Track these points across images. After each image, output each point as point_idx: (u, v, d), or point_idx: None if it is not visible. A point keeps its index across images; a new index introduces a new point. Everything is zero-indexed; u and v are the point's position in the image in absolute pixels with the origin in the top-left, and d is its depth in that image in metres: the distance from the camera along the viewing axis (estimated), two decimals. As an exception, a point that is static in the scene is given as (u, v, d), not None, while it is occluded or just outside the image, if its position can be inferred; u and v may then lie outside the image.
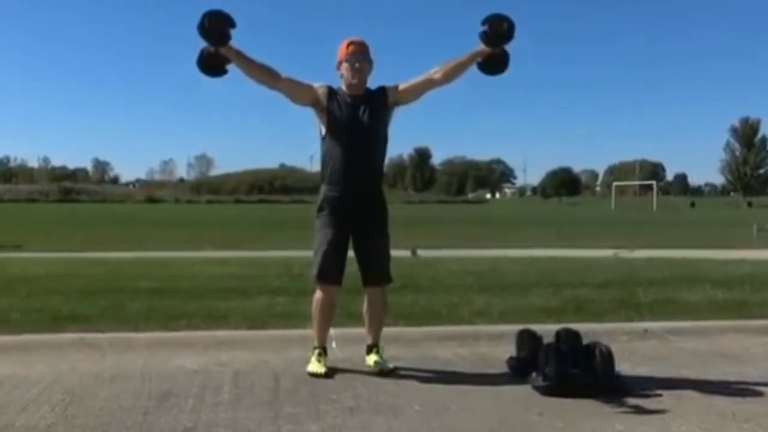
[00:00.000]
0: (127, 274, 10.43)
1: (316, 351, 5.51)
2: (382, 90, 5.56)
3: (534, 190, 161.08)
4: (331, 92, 5.49)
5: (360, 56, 5.47)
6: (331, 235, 5.43)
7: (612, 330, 6.77)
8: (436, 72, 5.50)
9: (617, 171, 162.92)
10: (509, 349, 5.66)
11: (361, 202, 5.49)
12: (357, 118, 5.43)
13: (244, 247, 16.41)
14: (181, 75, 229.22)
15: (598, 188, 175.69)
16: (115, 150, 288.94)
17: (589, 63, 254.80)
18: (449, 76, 5.50)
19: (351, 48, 5.47)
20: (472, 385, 5.20)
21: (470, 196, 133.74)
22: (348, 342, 6.06)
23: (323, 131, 5.51)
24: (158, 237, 20.46)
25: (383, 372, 5.43)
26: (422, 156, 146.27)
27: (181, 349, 6.10)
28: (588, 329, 5.99)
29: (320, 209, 5.52)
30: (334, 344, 6.00)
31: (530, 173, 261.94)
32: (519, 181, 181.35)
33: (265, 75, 5.42)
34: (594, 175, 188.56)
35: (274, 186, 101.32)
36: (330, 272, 5.42)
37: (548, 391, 4.92)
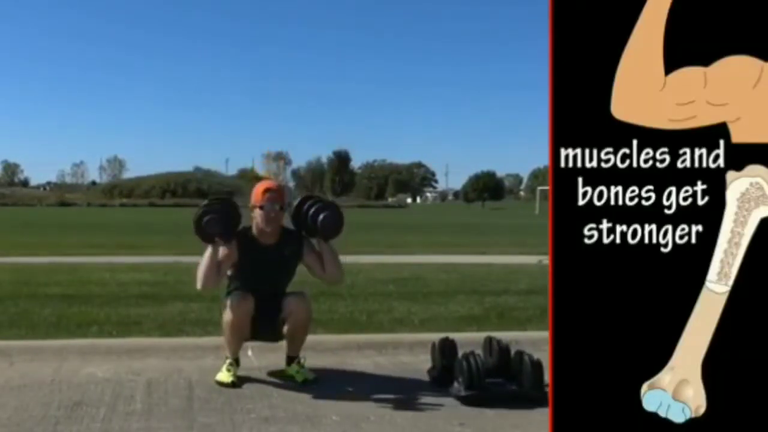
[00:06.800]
0: (38, 281, 10.20)
1: (228, 360, 5.45)
2: (299, 239, 5.60)
3: (456, 194, 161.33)
4: (241, 239, 5.44)
5: (276, 204, 5.44)
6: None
7: (536, 338, 6.71)
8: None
9: (542, 175, 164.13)
10: (430, 359, 5.66)
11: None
12: (266, 267, 5.46)
13: (158, 252, 16.17)
14: (92, 75, 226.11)
15: (522, 193, 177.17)
16: (24, 152, 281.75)
17: (513, 64, 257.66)
18: (327, 270, 5.58)
19: (267, 195, 5.43)
20: (392, 394, 5.18)
21: (391, 200, 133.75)
22: (265, 350, 5.99)
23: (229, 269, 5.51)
24: (70, 242, 20.03)
25: (306, 381, 5.40)
26: (341, 159, 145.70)
27: (93, 356, 5.98)
28: (511, 337, 6.02)
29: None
30: (250, 352, 5.94)
31: (452, 177, 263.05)
32: (441, 185, 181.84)
33: (217, 267, 5.34)
34: (518, 179, 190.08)
35: (188, 189, 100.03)
36: (244, 291, 5.37)
37: (470, 401, 4.93)
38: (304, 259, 5.60)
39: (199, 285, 5.37)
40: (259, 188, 5.50)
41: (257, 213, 5.44)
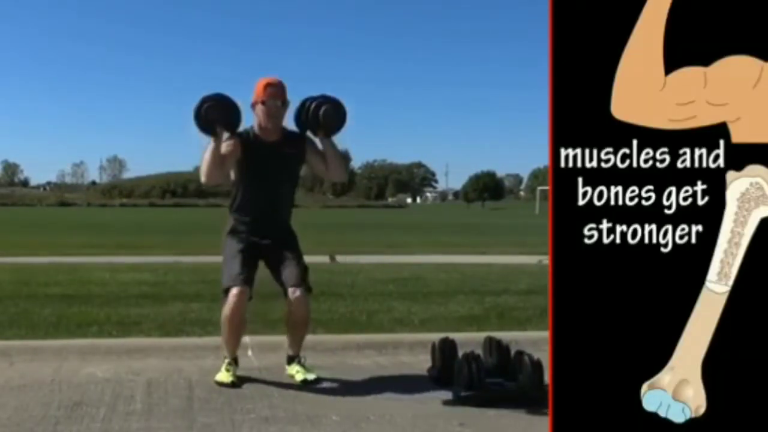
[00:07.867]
0: (37, 280, 10.18)
1: (226, 360, 5.42)
2: (301, 140, 5.57)
3: (456, 194, 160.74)
4: (244, 139, 5.40)
5: (278, 100, 5.41)
6: (241, 255, 5.39)
7: (536, 338, 6.62)
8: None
9: (542, 175, 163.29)
10: (430, 359, 5.66)
11: (269, 234, 5.50)
12: (268, 165, 5.43)
13: (158, 252, 16.16)
14: (92, 75, 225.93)
15: (522, 193, 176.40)
16: (24, 152, 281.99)
17: (513, 64, 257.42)
18: (330, 168, 5.59)
19: (269, 90, 5.39)
20: (392, 394, 5.18)
21: (391, 200, 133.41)
22: (265, 350, 6.00)
23: (233, 171, 5.49)
24: (70, 242, 20.03)
25: (306, 381, 5.37)
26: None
27: (93, 356, 5.98)
28: (511, 337, 6.00)
29: (229, 233, 5.54)
30: (249, 352, 5.94)
31: (452, 177, 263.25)
32: (441, 185, 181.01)
33: (221, 162, 5.34)
34: (518, 179, 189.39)
35: (188, 189, 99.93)
36: (240, 284, 5.27)
37: (470, 401, 4.91)
38: (307, 159, 5.58)
39: (203, 178, 5.37)
40: (260, 84, 5.42)
41: (259, 108, 5.41)
